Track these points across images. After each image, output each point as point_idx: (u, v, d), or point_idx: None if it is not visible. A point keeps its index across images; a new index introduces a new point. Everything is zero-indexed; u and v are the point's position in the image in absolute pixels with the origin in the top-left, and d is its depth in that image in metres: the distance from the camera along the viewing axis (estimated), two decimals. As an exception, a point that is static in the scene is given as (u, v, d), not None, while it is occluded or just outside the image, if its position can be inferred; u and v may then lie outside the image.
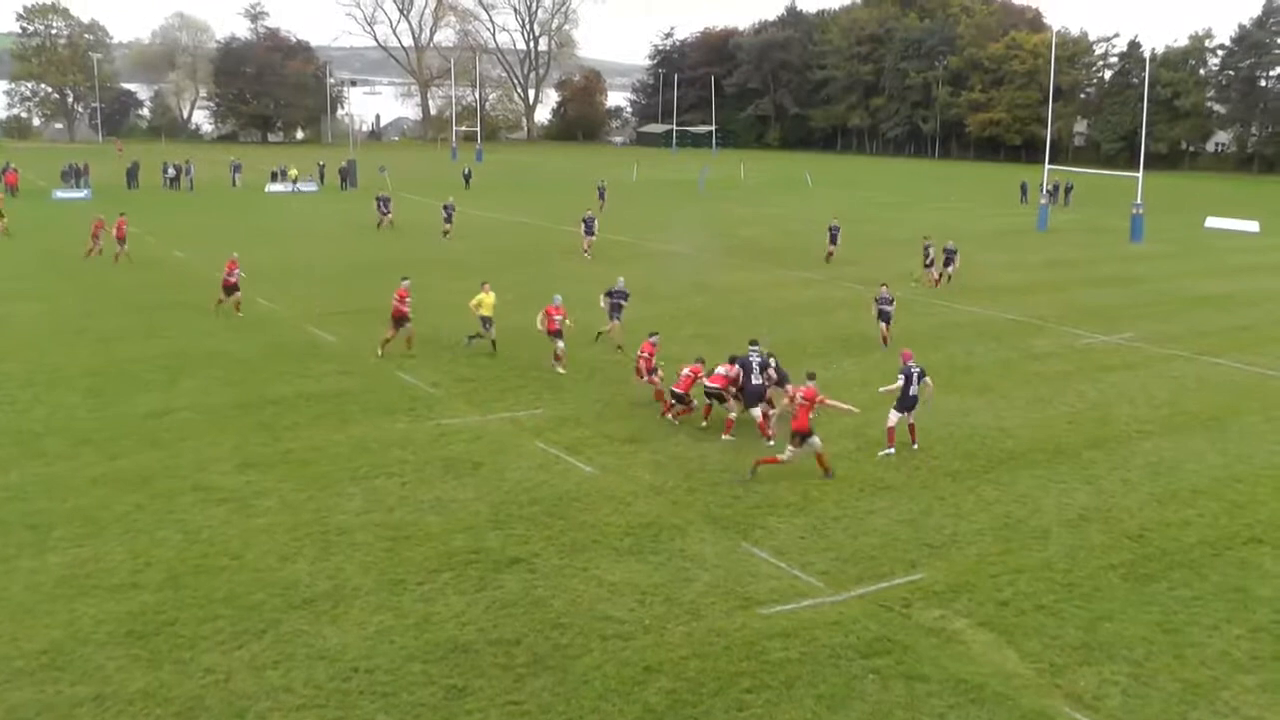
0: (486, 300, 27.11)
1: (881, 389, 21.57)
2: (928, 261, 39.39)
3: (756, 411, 20.93)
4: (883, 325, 28.71)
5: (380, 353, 26.68)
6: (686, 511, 17.14)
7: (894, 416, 20.39)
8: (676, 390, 21.34)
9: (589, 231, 45.52)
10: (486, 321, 27.18)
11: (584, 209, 50.68)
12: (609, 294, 28.31)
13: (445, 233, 50.89)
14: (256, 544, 15.57)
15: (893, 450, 20.23)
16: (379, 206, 55.12)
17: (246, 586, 14.21)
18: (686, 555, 15.50)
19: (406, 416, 22.01)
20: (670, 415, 21.85)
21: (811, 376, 19.27)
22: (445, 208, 52.22)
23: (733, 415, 21.12)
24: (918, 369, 20.34)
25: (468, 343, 27.64)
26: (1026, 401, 24.08)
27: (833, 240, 44.43)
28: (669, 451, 20.03)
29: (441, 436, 20.73)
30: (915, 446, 20.49)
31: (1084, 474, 19.30)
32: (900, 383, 20.24)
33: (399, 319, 26.81)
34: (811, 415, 18.51)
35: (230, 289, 31.44)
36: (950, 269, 39.18)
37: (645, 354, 22.86)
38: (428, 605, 13.82)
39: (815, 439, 18.60)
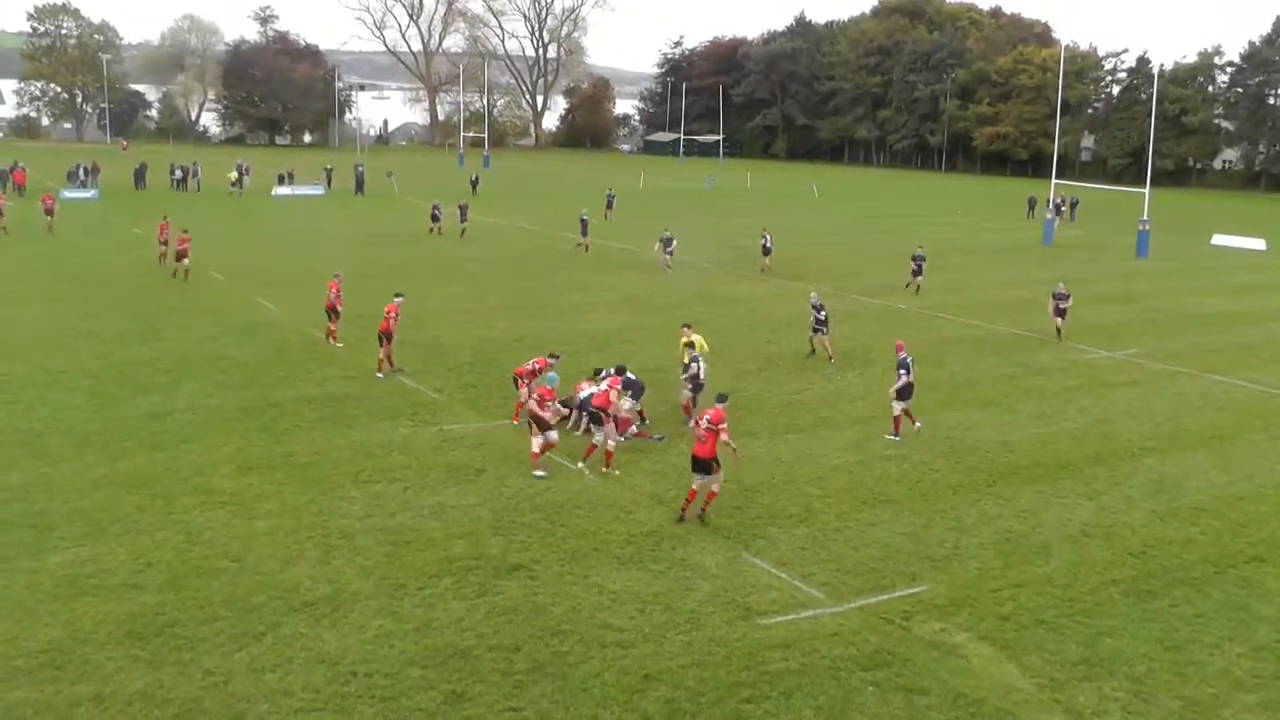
0: (690, 341, 23.48)
1: (892, 388, 22.18)
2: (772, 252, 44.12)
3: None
4: (687, 392, 22.59)
5: (387, 371, 25.59)
6: (687, 520, 17.08)
7: (897, 406, 21.60)
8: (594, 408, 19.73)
9: (666, 250, 44.72)
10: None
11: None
12: (814, 307, 28.49)
13: (582, 245, 49.49)
14: (257, 547, 15.58)
15: (898, 437, 21.56)
16: (434, 215, 54.60)
17: (247, 589, 14.21)
18: (687, 564, 15.49)
19: (409, 421, 21.99)
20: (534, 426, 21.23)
21: (721, 399, 17.49)
22: (582, 220, 50.69)
23: (611, 444, 19.29)
24: (910, 358, 21.76)
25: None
26: (1029, 416, 24.04)
27: (916, 271, 40.59)
28: (670, 461, 19.96)
29: (444, 442, 20.72)
30: (917, 425, 21.81)
31: (1086, 489, 19.27)
32: (904, 376, 21.52)
33: (383, 333, 25.35)
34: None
35: (331, 312, 28.45)
36: (1061, 319, 32.79)
37: (536, 366, 21.35)
38: (428, 610, 13.81)
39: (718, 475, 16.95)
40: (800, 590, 14.81)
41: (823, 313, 28.47)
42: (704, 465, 16.82)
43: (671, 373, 23.16)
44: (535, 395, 19.13)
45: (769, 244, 44.75)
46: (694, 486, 17.06)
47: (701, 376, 22.26)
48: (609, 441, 18.92)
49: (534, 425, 18.92)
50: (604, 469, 18.76)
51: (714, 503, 17.13)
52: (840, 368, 27.95)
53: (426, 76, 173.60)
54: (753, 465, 19.44)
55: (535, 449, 18.92)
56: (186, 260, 37.99)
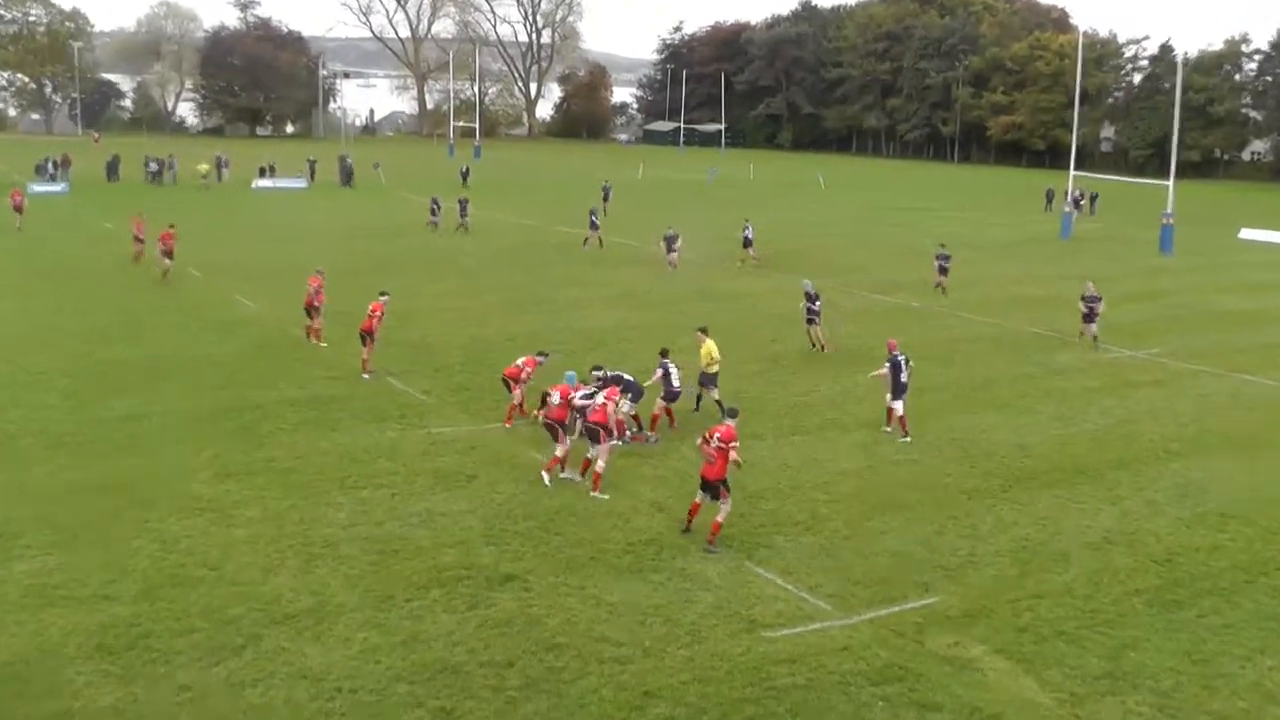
0: (703, 351, 22.57)
1: (871, 374, 22.72)
2: (754, 243, 44.02)
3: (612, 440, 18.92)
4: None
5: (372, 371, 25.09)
6: (693, 531, 16.42)
7: (899, 405, 21.48)
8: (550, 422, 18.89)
9: (671, 249, 43.39)
10: (708, 379, 22.49)
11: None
12: (807, 295, 28.70)
13: (593, 240, 48.54)
14: (236, 555, 15.21)
15: (908, 438, 21.29)
16: (432, 209, 54.08)
17: (225, 600, 13.87)
18: (688, 575, 15.11)
19: (397, 425, 21.52)
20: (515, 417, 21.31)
21: (732, 414, 16.81)
22: (592, 219, 49.69)
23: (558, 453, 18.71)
24: (903, 356, 21.54)
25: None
26: (1048, 418, 23.51)
27: (942, 271, 38.73)
28: (671, 465, 19.52)
29: (433, 446, 20.26)
30: (887, 430, 21.79)
31: (1108, 495, 18.80)
32: (887, 369, 21.52)
33: (365, 332, 24.75)
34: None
35: (310, 310, 27.57)
36: (1092, 324, 30.95)
37: (528, 369, 21.38)
38: (416, 623, 13.50)
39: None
40: (807, 602, 14.44)
41: (817, 302, 28.22)
42: (711, 488, 16.05)
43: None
44: (559, 398, 18.60)
45: (750, 235, 44.63)
46: (697, 500, 16.44)
47: (676, 385, 21.51)
48: (599, 462, 18.18)
49: (558, 431, 18.48)
50: (592, 491, 18.02)
51: (719, 534, 16.11)
52: (846, 367, 27.18)
53: (415, 64, 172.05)
54: (757, 470, 18.92)
55: (558, 454, 18.49)
56: (169, 261, 36.65)
